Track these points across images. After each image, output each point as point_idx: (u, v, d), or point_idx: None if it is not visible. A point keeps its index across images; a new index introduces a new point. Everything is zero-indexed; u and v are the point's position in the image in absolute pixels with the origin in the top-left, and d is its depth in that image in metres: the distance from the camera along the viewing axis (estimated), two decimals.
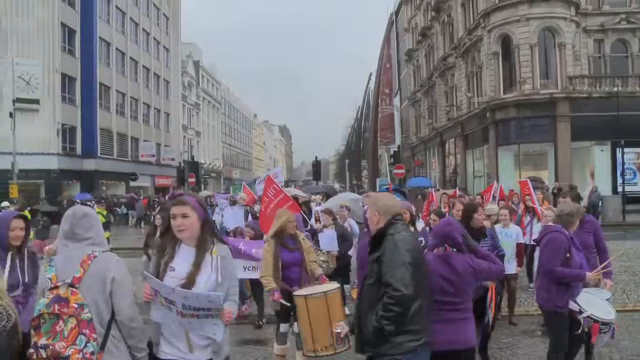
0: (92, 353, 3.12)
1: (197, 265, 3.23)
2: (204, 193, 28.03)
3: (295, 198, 11.45)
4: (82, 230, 3.28)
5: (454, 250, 3.97)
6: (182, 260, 3.26)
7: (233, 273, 3.42)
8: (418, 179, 40.39)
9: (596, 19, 30.91)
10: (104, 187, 35.57)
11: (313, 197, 16.88)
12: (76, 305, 3.13)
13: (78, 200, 24.67)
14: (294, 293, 5.37)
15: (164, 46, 56.28)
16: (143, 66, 50.25)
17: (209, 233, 3.35)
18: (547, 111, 29.23)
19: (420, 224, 8.01)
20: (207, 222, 3.36)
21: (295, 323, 5.61)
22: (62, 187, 35.40)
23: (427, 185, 29.76)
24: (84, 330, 3.12)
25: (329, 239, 8.54)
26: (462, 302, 3.88)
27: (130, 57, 47.35)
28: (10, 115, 29.86)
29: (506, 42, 30.74)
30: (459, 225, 4.26)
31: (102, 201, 23.45)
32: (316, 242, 8.47)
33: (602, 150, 29.90)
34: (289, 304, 5.57)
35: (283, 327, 5.99)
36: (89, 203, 20.89)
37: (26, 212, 19.11)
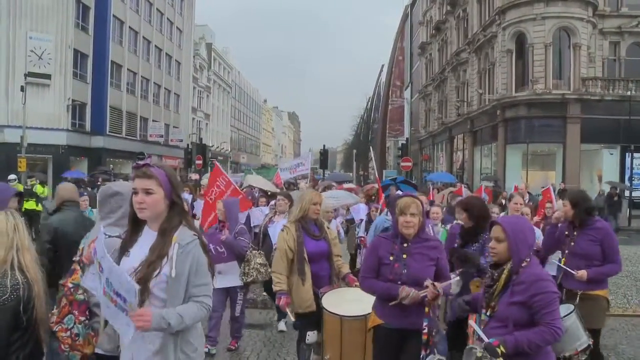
0: (77, 335, 3.10)
1: (152, 253, 2.66)
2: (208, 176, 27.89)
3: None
4: (104, 211, 3.31)
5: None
6: (140, 246, 2.74)
7: (200, 269, 2.68)
8: (440, 174, 38.13)
9: (613, 21, 30.60)
10: (111, 166, 35.62)
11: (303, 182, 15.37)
12: (70, 285, 3.15)
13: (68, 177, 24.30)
14: (325, 305, 4.49)
15: (177, 27, 56.15)
16: (155, 46, 50.19)
17: (178, 216, 2.75)
18: (558, 112, 29.04)
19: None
20: (177, 201, 2.77)
21: (312, 333, 4.77)
22: (70, 163, 35.55)
23: (451, 181, 28.20)
24: (74, 311, 3.12)
25: None
26: None
27: (143, 37, 47.28)
28: (22, 89, 29.95)
29: (520, 40, 30.50)
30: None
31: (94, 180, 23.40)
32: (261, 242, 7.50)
33: (611, 154, 29.72)
34: (309, 312, 4.74)
35: (311, 336, 4.83)
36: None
37: (40, 188, 19.29)
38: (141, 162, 2.77)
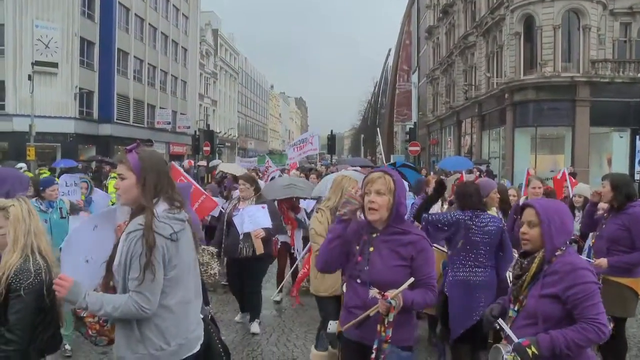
0: (106, 321, 3.16)
1: (120, 238, 2.68)
2: (215, 162, 27.98)
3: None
4: None
5: None
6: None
7: (134, 262, 2.54)
8: (453, 159, 29.93)
9: (625, 1, 30.04)
10: (119, 154, 35.85)
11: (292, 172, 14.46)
12: None
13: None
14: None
15: (183, 14, 55.98)
16: (162, 33, 50.11)
17: (144, 203, 2.63)
18: (567, 95, 28.74)
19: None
20: (145, 186, 2.65)
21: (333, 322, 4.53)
22: (78, 151, 35.75)
23: (469, 167, 25.64)
24: None
25: (253, 214, 6.36)
26: None
27: (149, 24, 47.21)
28: (29, 78, 30.06)
29: (529, 23, 30.11)
30: None
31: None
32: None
33: (621, 137, 29.39)
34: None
35: (332, 325, 4.52)
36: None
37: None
38: (128, 148, 2.76)
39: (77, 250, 2.99)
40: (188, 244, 2.78)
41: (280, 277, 8.24)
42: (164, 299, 2.63)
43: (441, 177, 7.15)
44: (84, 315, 3.04)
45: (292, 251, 8.25)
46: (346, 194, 3.16)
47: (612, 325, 3.17)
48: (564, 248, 2.84)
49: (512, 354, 2.67)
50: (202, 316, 3.05)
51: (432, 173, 16.89)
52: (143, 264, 2.52)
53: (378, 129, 51.28)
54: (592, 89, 28.48)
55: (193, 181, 7.81)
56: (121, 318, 2.58)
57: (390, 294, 2.86)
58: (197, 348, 2.82)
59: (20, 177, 4.49)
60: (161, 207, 2.67)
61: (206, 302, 3.43)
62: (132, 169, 2.65)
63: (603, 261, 4.75)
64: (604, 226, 5.02)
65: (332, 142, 35.59)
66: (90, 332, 3.11)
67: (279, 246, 7.74)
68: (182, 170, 8.08)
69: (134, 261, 2.54)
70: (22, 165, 20.83)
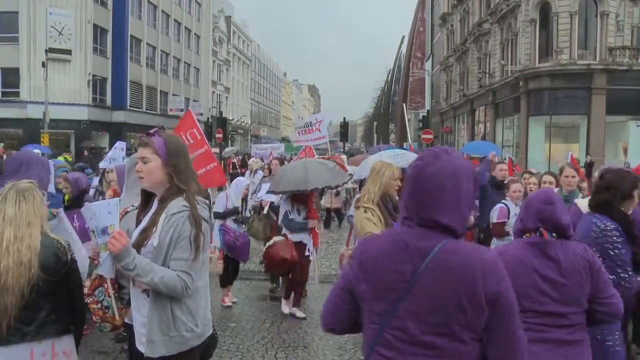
0: (107, 308, 3.20)
1: (147, 221, 2.70)
2: (230, 149, 28.04)
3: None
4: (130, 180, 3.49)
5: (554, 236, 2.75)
6: (148, 215, 2.76)
7: (181, 243, 2.56)
8: (478, 144, 29.44)
9: None
10: (132, 140, 35.94)
11: (252, 160, 14.15)
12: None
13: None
14: None
15: (196, 1, 55.88)
16: (174, 20, 50.07)
17: (177, 185, 2.66)
18: (583, 83, 28.35)
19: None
20: (177, 169, 2.68)
21: None
22: (91, 137, 35.98)
23: (495, 151, 24.72)
24: (104, 284, 3.21)
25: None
26: (572, 314, 2.64)
27: (162, 10, 47.17)
28: (43, 65, 30.22)
29: (545, 9, 29.68)
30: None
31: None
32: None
33: (638, 126, 28.93)
34: None
35: None
36: None
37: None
38: (150, 132, 2.76)
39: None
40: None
41: (292, 287, 6.92)
42: (197, 281, 2.65)
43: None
44: (88, 301, 3.08)
45: (308, 253, 6.86)
46: None
47: None
48: None
49: None
50: None
51: None
52: (193, 244, 2.55)
53: (391, 118, 51.17)
54: (609, 77, 28.06)
55: (206, 140, 6.56)
56: (160, 292, 2.54)
57: None
58: (212, 330, 2.85)
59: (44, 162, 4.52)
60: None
61: None
62: (157, 152, 2.65)
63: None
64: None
65: (344, 130, 35.61)
66: (94, 318, 3.16)
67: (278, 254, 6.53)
68: (195, 121, 6.64)
69: (180, 241, 2.55)
70: (37, 152, 21.07)
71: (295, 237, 6.61)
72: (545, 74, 29.25)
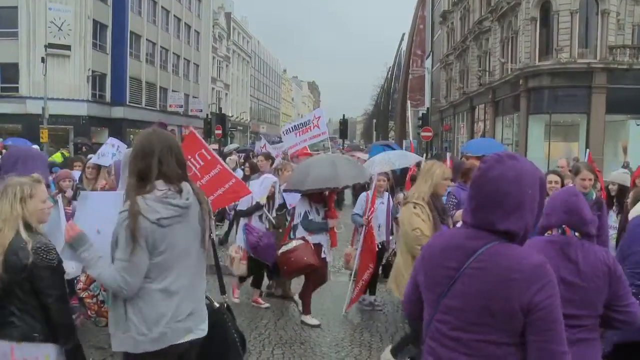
0: (103, 302, 3.19)
1: None
2: (232, 146, 27.97)
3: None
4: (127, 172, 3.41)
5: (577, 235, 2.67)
6: None
7: (119, 242, 2.59)
8: (486, 140, 23.92)
9: None
10: (131, 136, 35.94)
11: (229, 158, 13.40)
12: None
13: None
14: None
15: None
16: (174, 16, 50.00)
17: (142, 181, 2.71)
18: (583, 81, 28.32)
19: None
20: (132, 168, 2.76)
21: None
22: (90, 133, 35.92)
23: (500, 150, 23.57)
24: None
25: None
26: (586, 317, 2.55)
27: (162, 7, 47.10)
28: (42, 60, 30.16)
29: (545, 8, 29.64)
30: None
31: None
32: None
33: (638, 125, 28.94)
34: None
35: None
36: None
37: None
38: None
39: (90, 219, 2.91)
40: (186, 230, 2.68)
41: (309, 292, 6.48)
42: (149, 284, 2.58)
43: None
44: (83, 295, 3.07)
45: (324, 255, 6.40)
46: None
47: None
48: None
49: None
50: (217, 305, 3.04)
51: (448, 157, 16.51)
52: (127, 245, 2.51)
53: (390, 115, 51.11)
54: (609, 76, 28.05)
55: (219, 158, 5.58)
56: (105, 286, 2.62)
57: None
58: (183, 340, 2.68)
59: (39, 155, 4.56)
60: (159, 189, 2.62)
61: (222, 290, 3.39)
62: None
63: None
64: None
65: (344, 127, 35.63)
66: (89, 313, 3.16)
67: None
68: (202, 141, 5.63)
69: (119, 240, 2.54)
70: (36, 147, 21.03)
71: (314, 239, 6.22)
72: (545, 73, 29.22)
